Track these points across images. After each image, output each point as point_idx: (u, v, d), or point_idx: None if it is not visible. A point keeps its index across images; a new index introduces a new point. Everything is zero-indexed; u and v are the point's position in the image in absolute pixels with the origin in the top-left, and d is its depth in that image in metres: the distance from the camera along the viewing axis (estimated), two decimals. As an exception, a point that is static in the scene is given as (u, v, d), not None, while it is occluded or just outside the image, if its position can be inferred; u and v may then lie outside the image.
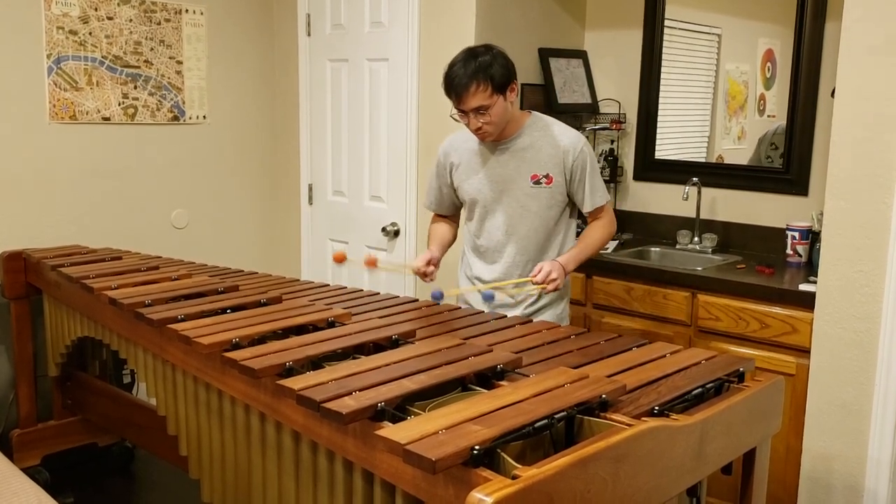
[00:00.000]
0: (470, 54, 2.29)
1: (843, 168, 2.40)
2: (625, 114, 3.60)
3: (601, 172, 2.85)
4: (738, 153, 3.34)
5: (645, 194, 3.56)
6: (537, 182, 2.40)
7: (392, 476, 1.44)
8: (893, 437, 2.38)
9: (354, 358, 1.84)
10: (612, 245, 3.30)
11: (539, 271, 2.32)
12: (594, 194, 2.44)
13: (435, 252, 2.51)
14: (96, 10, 3.42)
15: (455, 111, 2.34)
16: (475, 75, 2.24)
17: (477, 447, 1.28)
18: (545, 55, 3.50)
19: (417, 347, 1.86)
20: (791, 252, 3.00)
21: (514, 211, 2.43)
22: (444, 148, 2.56)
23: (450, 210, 2.65)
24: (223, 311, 2.22)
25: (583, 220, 2.59)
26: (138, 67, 3.58)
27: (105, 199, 3.56)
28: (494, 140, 2.41)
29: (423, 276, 2.44)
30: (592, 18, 3.69)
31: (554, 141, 2.40)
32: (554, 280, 2.32)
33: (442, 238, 2.59)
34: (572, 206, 2.51)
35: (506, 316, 2.30)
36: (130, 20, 3.53)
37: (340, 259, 2.23)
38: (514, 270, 2.46)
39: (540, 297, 2.48)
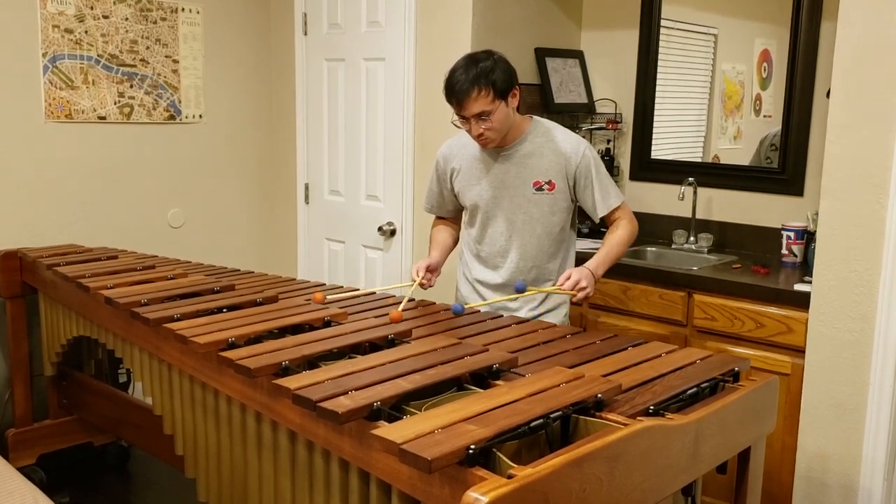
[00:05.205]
0: (471, 60, 2.27)
1: (837, 168, 2.40)
2: (621, 114, 3.60)
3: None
4: (735, 153, 3.34)
5: (641, 194, 3.56)
6: (539, 188, 2.39)
7: (388, 475, 1.44)
8: (888, 435, 2.39)
9: (350, 357, 1.84)
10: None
11: (567, 279, 2.28)
12: (606, 197, 2.41)
13: (435, 257, 2.50)
14: (92, 8, 3.42)
15: (456, 117, 2.33)
16: (476, 81, 2.22)
17: (473, 447, 1.29)
18: (541, 55, 3.51)
19: (413, 347, 1.86)
20: (786, 252, 3.00)
21: (516, 217, 2.42)
22: (443, 153, 2.54)
23: (451, 213, 2.64)
24: (219, 310, 2.22)
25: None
26: (134, 66, 3.58)
27: (101, 199, 3.55)
28: (496, 146, 2.40)
29: (421, 285, 2.43)
30: (589, 18, 3.70)
31: (556, 147, 2.39)
32: (584, 288, 2.29)
33: (443, 243, 2.58)
34: (575, 212, 2.50)
35: (502, 316, 2.31)
36: (126, 19, 3.53)
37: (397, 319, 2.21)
38: (518, 276, 2.45)
39: (545, 299, 2.47)
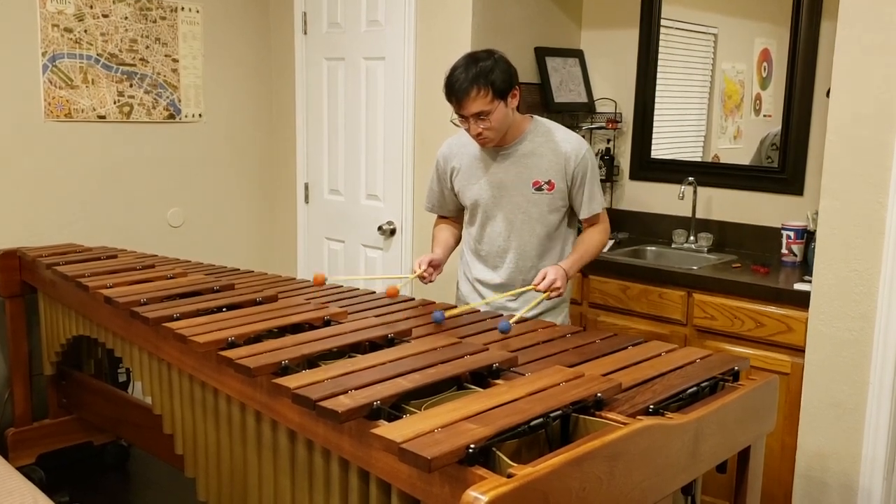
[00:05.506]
0: (471, 59, 2.27)
1: (837, 167, 2.40)
2: (621, 113, 3.60)
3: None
4: (735, 153, 3.34)
5: (641, 193, 3.56)
6: (539, 188, 2.39)
7: (388, 475, 1.44)
8: (887, 435, 2.39)
9: (350, 356, 1.84)
10: (608, 244, 3.30)
11: (543, 278, 2.30)
12: (592, 202, 2.43)
13: (439, 254, 2.50)
14: (91, 7, 3.41)
15: (455, 116, 2.33)
16: (476, 80, 2.22)
17: (472, 446, 1.29)
18: (541, 54, 3.50)
19: (413, 346, 1.86)
20: (786, 251, 3.00)
21: (515, 217, 2.42)
22: (443, 152, 2.55)
23: (453, 212, 2.64)
24: (219, 309, 2.22)
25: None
26: (134, 65, 3.57)
27: (100, 198, 3.55)
28: (496, 146, 2.40)
29: (421, 278, 2.43)
30: (589, 17, 3.69)
31: (556, 147, 2.39)
32: (557, 288, 2.31)
33: (445, 242, 2.58)
34: (573, 211, 2.51)
35: (502, 315, 2.30)
36: (126, 18, 3.52)
37: (394, 293, 2.22)
38: (518, 276, 2.45)
39: (540, 302, 2.47)
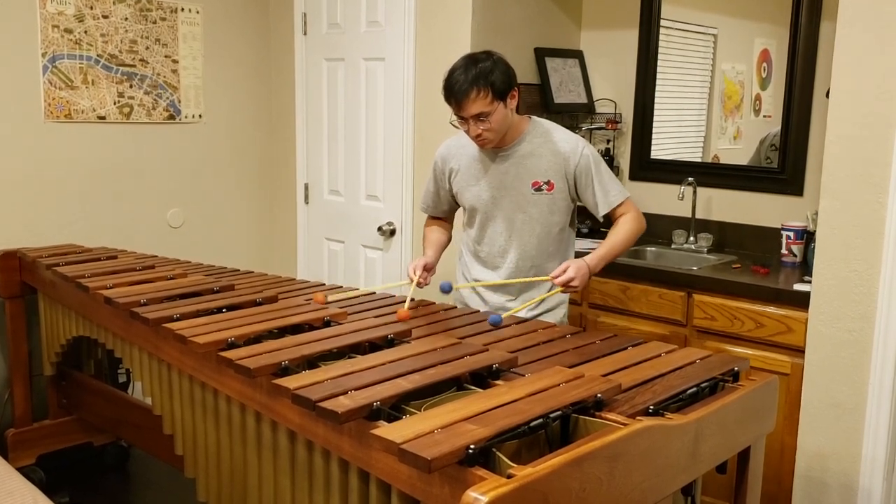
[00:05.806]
0: (470, 60, 2.27)
1: (837, 168, 2.40)
2: (620, 113, 3.60)
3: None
4: (734, 153, 3.34)
5: (641, 194, 3.56)
6: (538, 189, 2.39)
7: (388, 475, 1.44)
8: (887, 435, 2.39)
9: (350, 357, 1.84)
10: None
11: (563, 272, 2.28)
12: (607, 195, 2.40)
13: (431, 256, 2.51)
14: (91, 8, 3.42)
15: (454, 118, 2.32)
16: (475, 81, 2.22)
17: (472, 446, 1.29)
18: (541, 55, 3.51)
19: (413, 347, 1.86)
20: (786, 252, 3.00)
21: (515, 217, 2.42)
22: (441, 153, 2.55)
23: (447, 213, 2.65)
24: (219, 310, 2.22)
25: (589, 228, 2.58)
26: (134, 66, 3.58)
27: (100, 199, 3.55)
28: (495, 147, 2.40)
29: (418, 284, 2.43)
30: (588, 18, 3.69)
31: (555, 147, 2.39)
32: (574, 287, 2.29)
33: (437, 242, 2.58)
34: (574, 211, 2.50)
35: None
36: (126, 19, 3.52)
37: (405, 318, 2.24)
38: (518, 276, 2.45)
39: (542, 301, 2.47)
